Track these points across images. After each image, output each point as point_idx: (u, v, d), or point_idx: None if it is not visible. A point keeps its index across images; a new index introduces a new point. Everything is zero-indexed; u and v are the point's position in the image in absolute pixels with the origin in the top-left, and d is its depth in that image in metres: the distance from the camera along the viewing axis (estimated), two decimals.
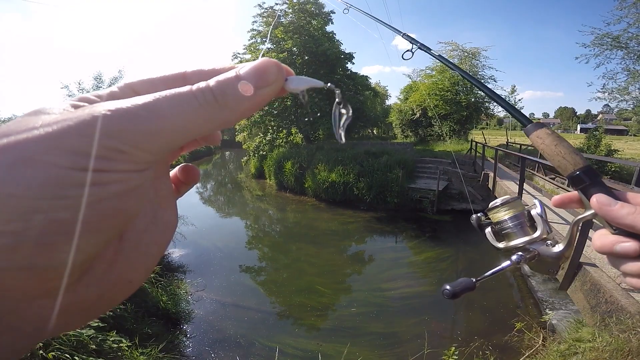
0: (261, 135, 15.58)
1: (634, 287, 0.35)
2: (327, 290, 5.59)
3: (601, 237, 0.36)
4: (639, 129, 46.06)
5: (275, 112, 15.00)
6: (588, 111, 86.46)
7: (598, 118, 63.49)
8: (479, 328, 4.39)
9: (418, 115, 19.25)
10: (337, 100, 0.28)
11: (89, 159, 0.17)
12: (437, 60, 0.92)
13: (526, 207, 0.46)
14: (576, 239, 0.41)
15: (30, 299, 0.17)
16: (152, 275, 4.43)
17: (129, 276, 0.22)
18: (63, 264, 0.17)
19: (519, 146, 13.03)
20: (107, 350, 2.62)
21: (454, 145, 17.19)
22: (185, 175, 0.29)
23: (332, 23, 15.62)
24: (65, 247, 0.16)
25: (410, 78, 21.69)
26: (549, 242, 0.43)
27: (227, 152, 33.10)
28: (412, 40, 1.01)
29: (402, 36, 1.14)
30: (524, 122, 0.46)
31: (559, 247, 0.42)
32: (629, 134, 48.46)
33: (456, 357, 2.92)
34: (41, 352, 2.10)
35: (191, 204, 11.18)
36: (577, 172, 0.38)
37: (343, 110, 0.29)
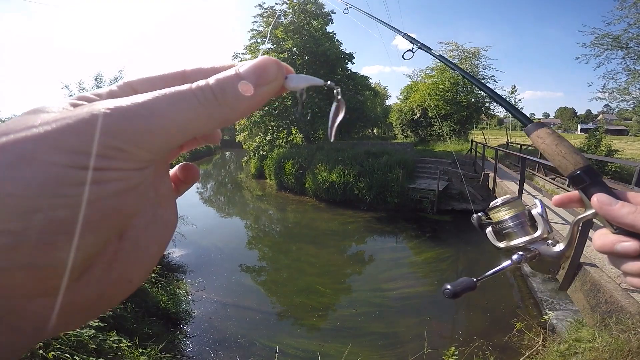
0: (261, 135, 15.58)
1: (634, 286, 0.35)
2: (327, 290, 5.59)
3: (602, 237, 0.36)
4: (639, 129, 46.04)
5: (276, 112, 15.01)
6: (588, 111, 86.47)
7: (598, 118, 63.48)
8: (479, 328, 4.39)
9: (418, 115, 19.25)
10: (338, 97, 0.28)
11: (89, 158, 0.17)
12: (438, 60, 0.92)
13: (527, 206, 0.46)
14: (576, 239, 0.41)
15: (30, 299, 0.17)
16: (152, 275, 4.43)
17: (129, 275, 0.22)
18: (63, 263, 0.17)
19: (519, 146, 13.02)
20: (107, 350, 2.62)
21: (454, 145, 17.18)
22: (185, 174, 0.29)
23: (333, 23, 15.65)
24: (65, 246, 0.16)
25: (410, 78, 21.73)
26: (549, 241, 0.43)
27: (227, 152, 33.11)
28: (412, 40, 1.01)
29: (402, 36, 1.14)
30: (525, 122, 0.46)
31: (559, 247, 0.42)
32: (629, 134, 48.43)
33: (456, 357, 2.92)
34: (41, 352, 2.10)
35: (191, 204, 11.18)
36: (578, 172, 0.38)
37: (340, 110, 0.29)
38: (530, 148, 11.46)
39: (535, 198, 0.47)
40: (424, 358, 3.23)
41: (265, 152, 15.00)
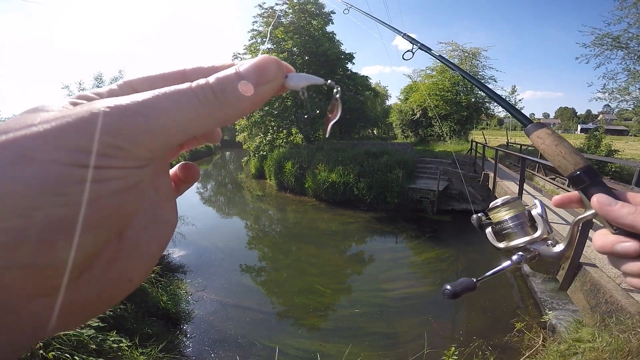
0: (261, 135, 15.59)
1: (634, 286, 0.35)
2: (327, 290, 5.58)
3: (602, 237, 0.36)
4: (639, 129, 46.03)
5: (276, 112, 15.01)
6: (588, 111, 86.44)
7: (598, 118, 63.47)
8: (479, 328, 4.38)
9: (418, 115, 19.25)
10: (336, 96, 0.28)
11: (89, 156, 0.17)
12: (438, 61, 0.92)
13: (527, 207, 0.46)
14: (576, 239, 0.41)
15: (30, 298, 0.17)
16: (152, 275, 4.43)
17: (128, 275, 0.22)
18: (63, 262, 0.17)
19: (519, 146, 13.03)
20: (107, 350, 2.62)
21: (454, 145, 17.17)
22: (185, 173, 0.29)
23: (333, 23, 15.67)
24: (66, 245, 0.16)
25: (410, 78, 21.74)
26: (549, 242, 0.43)
27: (227, 152, 33.12)
28: (412, 41, 1.01)
29: (402, 36, 1.14)
30: (525, 122, 0.46)
31: (559, 247, 0.42)
32: (630, 134, 48.43)
33: (456, 357, 2.91)
34: (41, 351, 2.10)
35: (191, 204, 11.18)
36: (578, 172, 0.38)
37: (336, 108, 0.29)
38: (530, 148, 11.47)
39: (535, 198, 0.47)
40: (424, 358, 3.23)
41: (265, 152, 15.00)
